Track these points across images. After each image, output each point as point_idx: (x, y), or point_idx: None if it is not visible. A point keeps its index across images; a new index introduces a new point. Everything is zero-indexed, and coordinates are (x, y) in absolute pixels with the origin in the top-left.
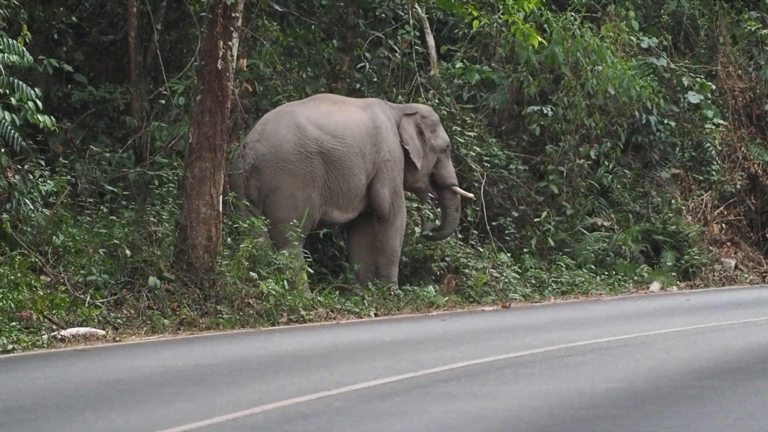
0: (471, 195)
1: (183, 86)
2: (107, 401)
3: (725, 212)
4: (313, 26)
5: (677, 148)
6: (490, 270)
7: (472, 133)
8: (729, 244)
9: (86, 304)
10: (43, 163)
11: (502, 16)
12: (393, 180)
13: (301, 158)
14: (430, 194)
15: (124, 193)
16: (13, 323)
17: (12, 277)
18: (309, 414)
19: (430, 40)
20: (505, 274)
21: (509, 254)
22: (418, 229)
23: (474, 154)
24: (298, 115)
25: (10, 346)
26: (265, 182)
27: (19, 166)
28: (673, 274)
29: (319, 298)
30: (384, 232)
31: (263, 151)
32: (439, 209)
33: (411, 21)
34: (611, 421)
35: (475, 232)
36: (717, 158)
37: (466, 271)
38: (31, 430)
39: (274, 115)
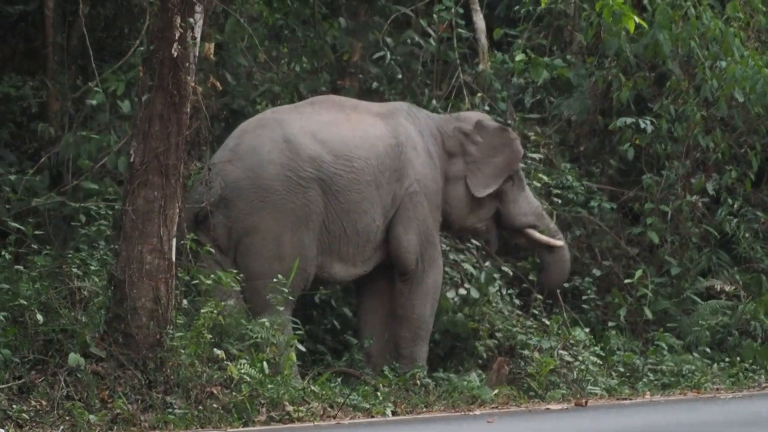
0: (557, 242)
1: (122, 81)
2: None
3: None
4: None
5: None
6: (560, 352)
7: (537, 155)
8: None
9: None
10: None
11: None
12: (423, 221)
13: (291, 187)
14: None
15: (36, 232)
16: None
17: None
18: None
19: (479, 21)
20: (581, 358)
21: (588, 330)
22: (451, 294)
23: (539, 184)
24: (288, 126)
25: None
26: (237, 220)
27: None
28: None
29: (312, 388)
30: (408, 295)
31: (236, 175)
32: (488, 263)
33: None
34: None
35: (540, 297)
36: None
37: (525, 352)
38: None
39: (253, 125)
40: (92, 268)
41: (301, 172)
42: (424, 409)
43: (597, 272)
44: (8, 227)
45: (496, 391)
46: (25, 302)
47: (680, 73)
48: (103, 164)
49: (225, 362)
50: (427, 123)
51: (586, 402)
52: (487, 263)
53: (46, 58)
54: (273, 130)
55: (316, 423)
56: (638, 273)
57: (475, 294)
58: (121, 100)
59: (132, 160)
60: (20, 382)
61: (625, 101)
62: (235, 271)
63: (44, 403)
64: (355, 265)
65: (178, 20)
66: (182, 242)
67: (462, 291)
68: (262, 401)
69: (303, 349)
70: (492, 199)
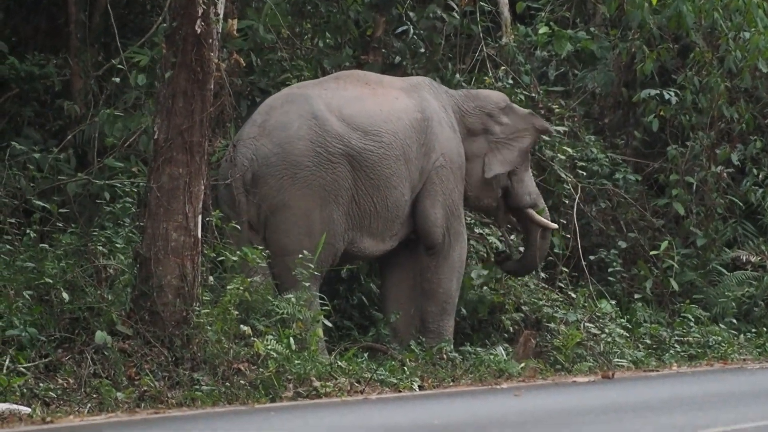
0: (554, 225)
1: (146, 58)
2: None
3: None
4: None
5: None
6: (586, 324)
7: (561, 128)
8: None
9: (5, 370)
10: None
11: None
12: (449, 195)
13: (320, 162)
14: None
15: (61, 210)
16: None
17: None
18: None
19: None
20: (607, 331)
21: (614, 302)
22: (477, 273)
23: (564, 157)
24: (315, 101)
25: None
26: (267, 197)
27: None
28: None
29: (339, 364)
30: (435, 269)
31: (266, 151)
32: (513, 237)
33: None
34: None
35: (565, 270)
36: None
37: (552, 325)
38: None
39: (281, 101)
40: (118, 245)
41: (330, 148)
42: (451, 384)
43: (622, 244)
44: (33, 205)
45: (522, 365)
46: (50, 280)
47: (704, 45)
48: (128, 142)
49: (252, 338)
50: (447, 98)
51: (612, 374)
52: (512, 236)
53: (68, 36)
54: (301, 105)
55: (343, 398)
56: (664, 245)
57: (498, 272)
58: (142, 72)
59: (156, 137)
60: (47, 360)
61: (648, 73)
62: (261, 247)
63: (71, 381)
64: (384, 240)
65: None
66: (207, 219)
67: (484, 272)
68: (289, 377)
69: (329, 324)
70: (505, 178)
